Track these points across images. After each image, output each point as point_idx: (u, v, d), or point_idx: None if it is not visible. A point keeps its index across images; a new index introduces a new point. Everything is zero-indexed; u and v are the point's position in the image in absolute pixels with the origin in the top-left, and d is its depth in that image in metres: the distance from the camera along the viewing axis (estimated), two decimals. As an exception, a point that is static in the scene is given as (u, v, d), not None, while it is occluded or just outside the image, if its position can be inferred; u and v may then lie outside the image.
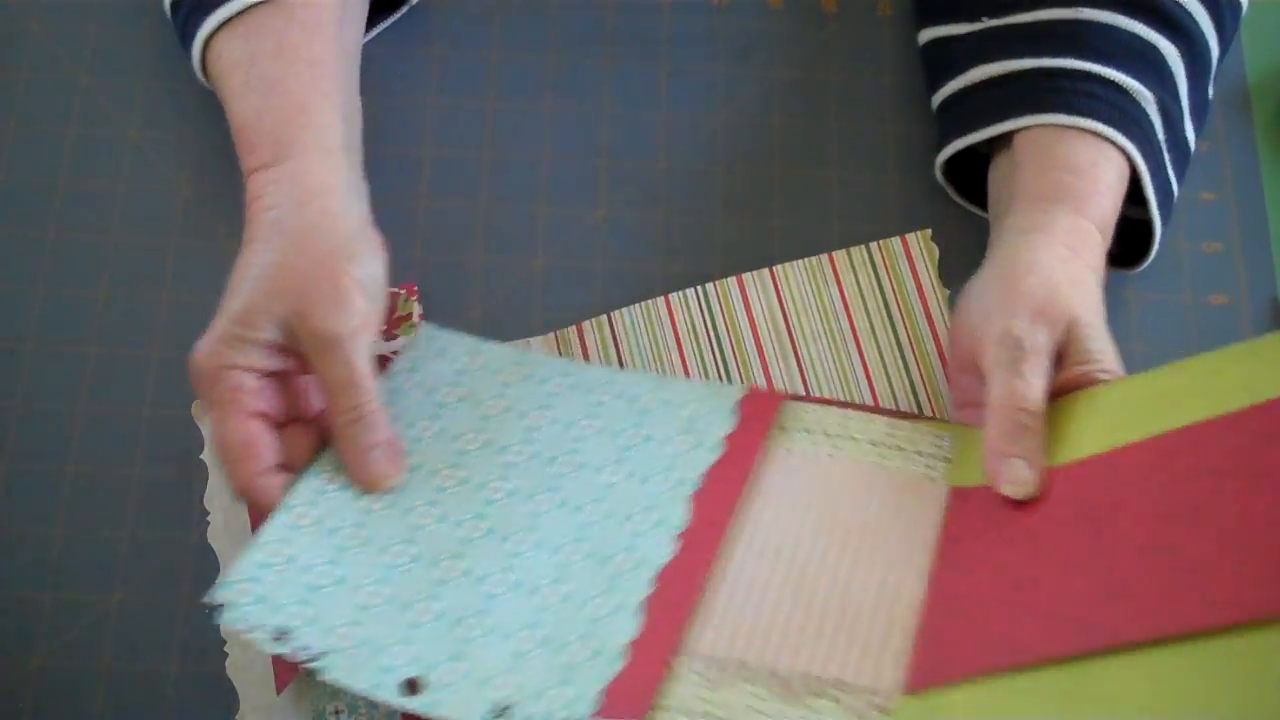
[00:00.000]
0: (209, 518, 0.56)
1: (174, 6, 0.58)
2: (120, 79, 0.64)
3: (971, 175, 0.62)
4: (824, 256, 0.61)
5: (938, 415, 0.58)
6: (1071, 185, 0.54)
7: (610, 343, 0.60)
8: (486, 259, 0.62)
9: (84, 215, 0.62)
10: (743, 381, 0.59)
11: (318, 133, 0.53)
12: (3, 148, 0.63)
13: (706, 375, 0.59)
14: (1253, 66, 0.68)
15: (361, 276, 0.50)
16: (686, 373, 0.59)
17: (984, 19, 0.60)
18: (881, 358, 0.59)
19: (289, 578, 0.47)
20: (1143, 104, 0.56)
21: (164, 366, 0.59)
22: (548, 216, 0.63)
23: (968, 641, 0.44)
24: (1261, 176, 0.65)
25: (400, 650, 0.46)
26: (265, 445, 0.49)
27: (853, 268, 0.61)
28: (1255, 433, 0.40)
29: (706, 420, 0.54)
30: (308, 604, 0.46)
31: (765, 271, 0.61)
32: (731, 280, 0.61)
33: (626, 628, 0.47)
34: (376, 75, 0.64)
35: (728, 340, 0.60)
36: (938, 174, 0.62)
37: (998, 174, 0.60)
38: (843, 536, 0.50)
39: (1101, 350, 0.50)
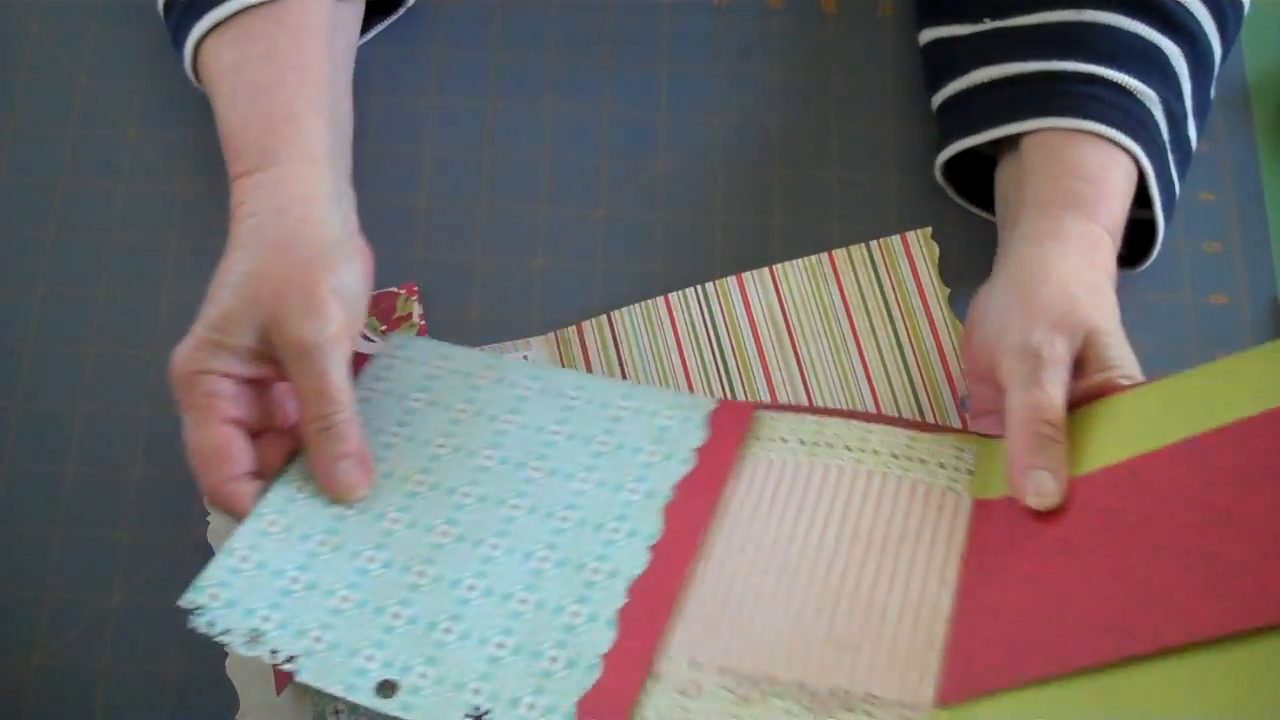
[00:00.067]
0: (209, 518, 0.56)
1: (166, 8, 0.58)
2: (120, 79, 0.64)
3: (971, 175, 0.62)
4: (824, 256, 0.61)
5: (938, 415, 0.58)
6: (1081, 191, 0.54)
7: (610, 343, 0.60)
8: (486, 259, 0.62)
9: (84, 215, 0.62)
10: (743, 381, 0.59)
11: (303, 141, 0.53)
12: (3, 148, 0.63)
13: (706, 375, 0.59)
14: (1253, 66, 0.68)
15: (339, 285, 0.50)
16: (686, 373, 0.59)
17: (986, 20, 0.60)
18: (881, 357, 0.59)
19: (260, 582, 0.47)
20: (1148, 105, 0.56)
21: (164, 366, 0.58)
22: (548, 216, 0.63)
23: (1000, 653, 0.44)
24: (1261, 176, 0.65)
25: (374, 653, 0.46)
26: (238, 451, 0.49)
27: (853, 267, 0.61)
28: None
29: (678, 431, 0.54)
30: (279, 608, 0.47)
31: (765, 271, 0.61)
32: (731, 280, 0.61)
33: (601, 639, 0.47)
34: (376, 75, 0.64)
35: (728, 340, 0.60)
36: (937, 174, 0.62)
37: (1005, 176, 0.60)
38: (867, 549, 0.49)
39: (1122, 357, 0.50)
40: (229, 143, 0.54)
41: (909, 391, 0.59)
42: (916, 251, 0.61)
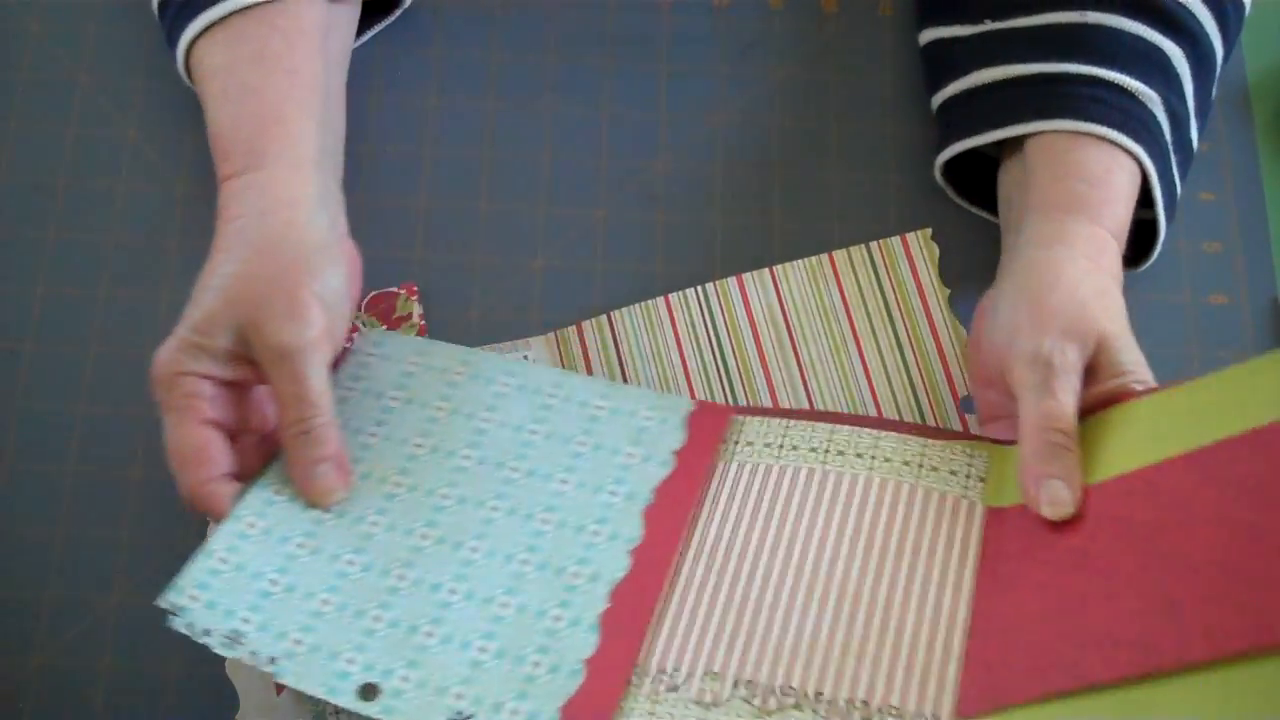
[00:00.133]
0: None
1: (161, 9, 0.57)
2: (120, 79, 0.64)
3: (971, 176, 0.62)
4: (824, 256, 0.61)
5: (938, 416, 0.58)
6: (1086, 194, 0.54)
7: (610, 343, 0.60)
8: (486, 259, 0.62)
9: (84, 215, 0.62)
10: (743, 382, 0.59)
11: (291, 143, 0.53)
12: (3, 148, 0.63)
13: (706, 376, 0.59)
14: (1253, 66, 0.68)
15: (321, 289, 0.50)
16: (686, 373, 0.59)
17: (986, 21, 0.60)
18: (881, 357, 0.59)
19: (239, 584, 0.47)
20: (1150, 107, 0.56)
21: (164, 366, 0.59)
22: (548, 216, 0.63)
23: (1020, 665, 0.44)
24: (1261, 176, 0.65)
25: (355, 656, 0.46)
26: (217, 452, 0.49)
27: (853, 267, 0.61)
28: None
29: (656, 433, 0.53)
30: (259, 610, 0.47)
31: (765, 271, 0.61)
32: (731, 280, 0.61)
33: (584, 643, 0.47)
34: (376, 75, 0.64)
35: (728, 340, 0.60)
36: (937, 175, 0.62)
37: (1008, 178, 0.60)
38: (882, 557, 0.49)
39: (1133, 361, 0.49)
40: (218, 144, 0.54)
41: (909, 392, 0.59)
42: (917, 252, 0.61)
